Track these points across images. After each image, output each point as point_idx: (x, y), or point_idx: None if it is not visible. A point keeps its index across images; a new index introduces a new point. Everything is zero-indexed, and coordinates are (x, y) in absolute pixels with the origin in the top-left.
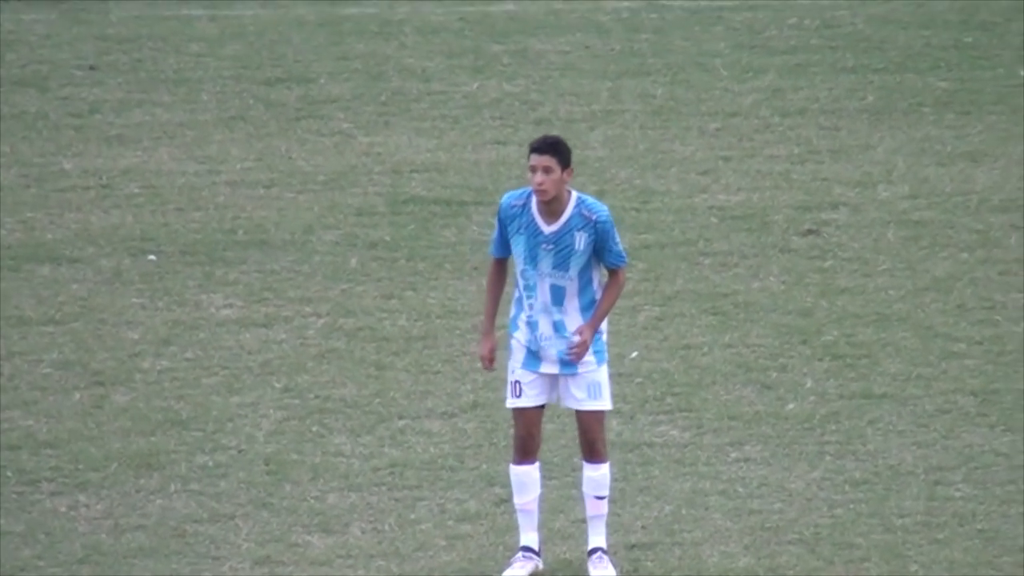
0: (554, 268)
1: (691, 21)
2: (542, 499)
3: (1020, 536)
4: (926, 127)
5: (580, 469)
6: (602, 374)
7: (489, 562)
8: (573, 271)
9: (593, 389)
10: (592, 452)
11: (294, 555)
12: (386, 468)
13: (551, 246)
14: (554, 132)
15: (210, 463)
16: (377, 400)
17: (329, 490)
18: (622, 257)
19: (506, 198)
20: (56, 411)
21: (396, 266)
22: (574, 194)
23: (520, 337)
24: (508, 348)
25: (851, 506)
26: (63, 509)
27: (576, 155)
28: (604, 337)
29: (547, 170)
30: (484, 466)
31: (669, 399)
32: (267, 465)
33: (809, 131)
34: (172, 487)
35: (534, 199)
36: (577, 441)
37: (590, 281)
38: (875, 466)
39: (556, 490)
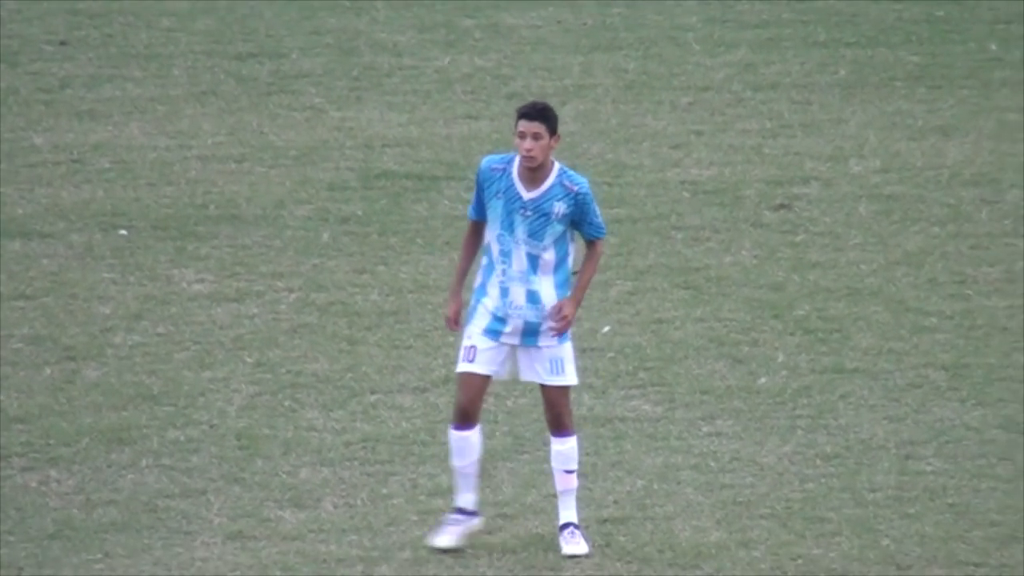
0: (529, 236)
1: None
2: (501, 470)
3: (991, 510)
4: (898, 101)
5: (550, 443)
6: (564, 350)
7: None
8: (548, 240)
9: (555, 364)
10: (559, 426)
11: (266, 530)
12: (358, 443)
13: (529, 213)
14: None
15: (182, 438)
16: (349, 375)
17: (301, 465)
18: (601, 229)
19: (486, 161)
20: (27, 386)
21: (368, 241)
22: (557, 164)
23: (488, 303)
24: (470, 313)
25: (822, 480)
26: (34, 484)
27: None
28: None
29: (536, 136)
30: None
31: (641, 373)
32: (239, 440)
33: (781, 105)
34: (144, 462)
35: (516, 164)
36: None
37: (565, 257)
38: (846, 440)
39: (528, 464)
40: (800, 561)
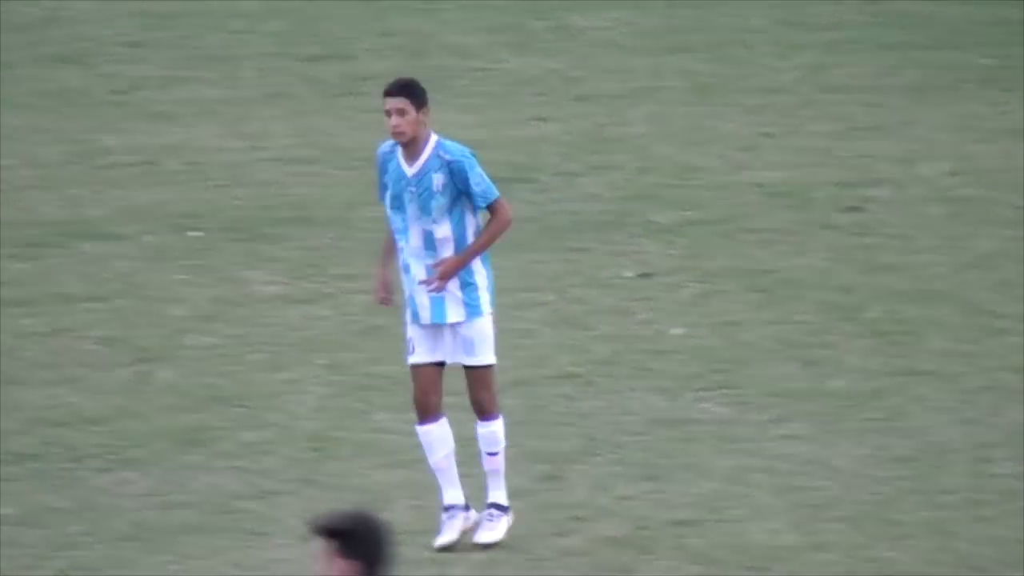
0: (420, 212)
1: None
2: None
3: None
4: (968, 103)
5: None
6: (478, 328)
7: (534, 538)
8: (437, 214)
9: (468, 344)
10: (479, 409)
11: None
12: None
13: (414, 189)
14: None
15: (255, 440)
16: None
17: (374, 467)
18: (490, 192)
19: (381, 147)
20: (101, 387)
21: None
22: (434, 136)
23: (405, 288)
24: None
25: (896, 483)
26: (109, 485)
27: (617, 132)
28: (480, 292)
29: (401, 112)
30: (528, 442)
31: (712, 376)
32: (311, 442)
33: (851, 108)
34: (217, 464)
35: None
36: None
37: (464, 230)
38: (919, 443)
39: (600, 467)
40: (874, 564)
